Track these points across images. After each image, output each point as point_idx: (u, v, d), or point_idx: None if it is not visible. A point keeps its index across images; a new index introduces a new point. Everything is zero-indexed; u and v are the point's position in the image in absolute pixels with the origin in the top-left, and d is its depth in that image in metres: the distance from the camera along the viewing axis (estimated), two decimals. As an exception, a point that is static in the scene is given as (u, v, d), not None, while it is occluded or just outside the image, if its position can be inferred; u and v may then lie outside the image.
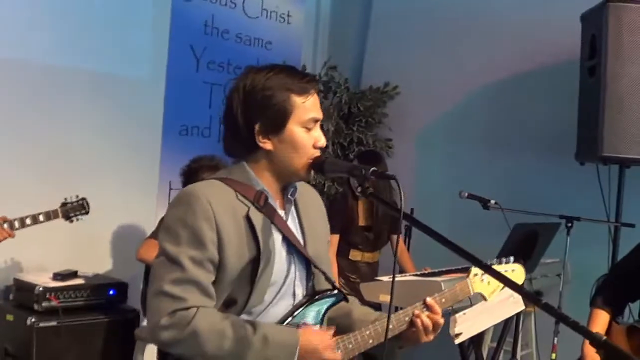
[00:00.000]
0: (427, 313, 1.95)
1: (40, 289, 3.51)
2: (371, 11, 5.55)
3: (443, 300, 2.02)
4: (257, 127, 1.83)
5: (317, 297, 1.94)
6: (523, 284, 2.14)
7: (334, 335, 1.87)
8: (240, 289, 1.81)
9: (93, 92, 4.15)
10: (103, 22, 4.17)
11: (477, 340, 3.71)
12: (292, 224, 1.94)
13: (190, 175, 3.58)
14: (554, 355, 3.68)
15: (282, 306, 1.89)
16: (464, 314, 2.72)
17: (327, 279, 1.97)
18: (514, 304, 2.82)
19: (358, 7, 5.56)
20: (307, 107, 1.85)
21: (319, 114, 1.89)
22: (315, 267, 1.95)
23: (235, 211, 1.81)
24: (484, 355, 4.08)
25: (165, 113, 4.53)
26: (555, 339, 3.66)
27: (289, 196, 1.93)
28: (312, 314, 1.92)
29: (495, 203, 3.65)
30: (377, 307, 2.81)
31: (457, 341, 2.78)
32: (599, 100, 3.74)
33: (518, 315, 3.69)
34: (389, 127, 5.30)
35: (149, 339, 1.98)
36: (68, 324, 3.54)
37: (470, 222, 4.14)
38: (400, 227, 1.70)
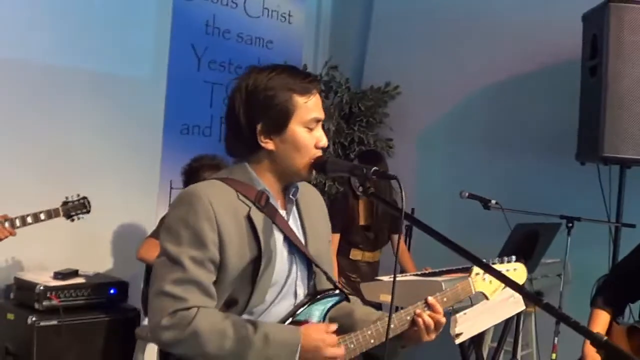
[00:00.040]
0: (428, 312, 1.95)
1: (41, 287, 3.51)
2: (372, 11, 5.55)
3: (445, 299, 2.02)
4: (259, 127, 1.83)
5: (318, 296, 1.94)
6: (524, 283, 2.14)
7: (336, 334, 1.87)
8: (241, 289, 1.81)
9: (93, 92, 4.15)
10: (103, 22, 4.17)
11: (477, 340, 3.71)
12: (294, 223, 1.94)
13: (191, 174, 3.58)
14: (554, 356, 3.68)
15: (284, 306, 1.89)
16: (465, 313, 2.72)
17: (329, 278, 1.97)
18: (515, 304, 2.81)
19: (359, 7, 5.56)
20: (309, 107, 1.85)
21: (321, 114, 1.89)
22: (317, 266, 1.95)
23: (237, 211, 1.81)
24: (485, 355, 4.08)
25: (166, 112, 4.54)
26: (556, 339, 3.66)
27: (291, 196, 1.93)
28: (314, 313, 1.92)
29: (496, 203, 3.66)
30: (377, 306, 2.81)
31: (458, 341, 2.77)
32: (600, 100, 3.74)
33: (518, 315, 3.70)
34: (390, 127, 5.30)
35: (150, 338, 1.98)
36: (69, 323, 3.55)
37: (471, 222, 4.14)
38: (401, 227, 1.69)
